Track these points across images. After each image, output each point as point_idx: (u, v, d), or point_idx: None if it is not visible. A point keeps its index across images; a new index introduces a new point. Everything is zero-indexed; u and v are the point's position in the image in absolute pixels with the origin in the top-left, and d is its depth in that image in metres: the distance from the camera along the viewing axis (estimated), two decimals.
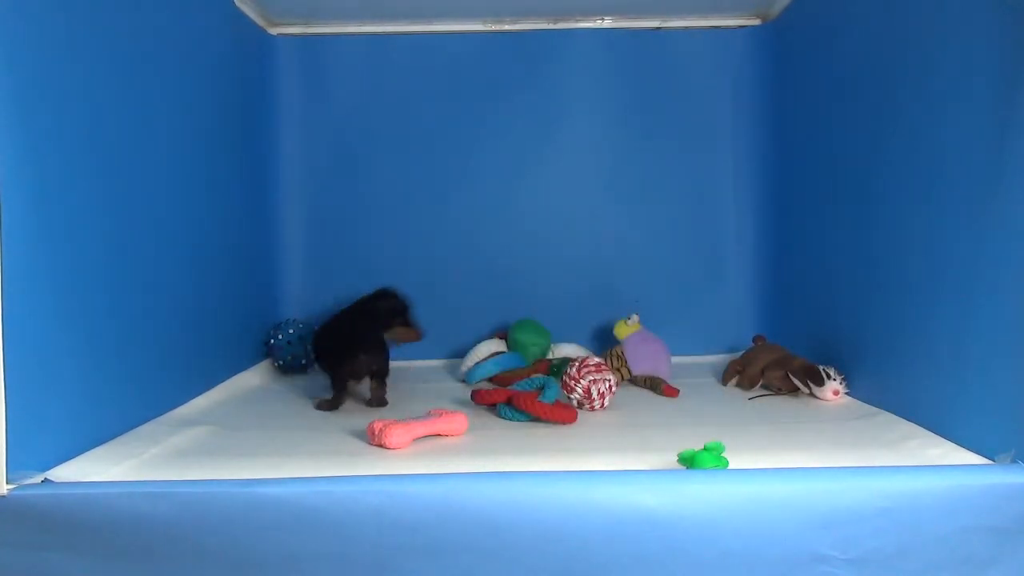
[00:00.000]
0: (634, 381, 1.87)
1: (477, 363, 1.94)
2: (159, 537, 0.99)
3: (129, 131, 1.40)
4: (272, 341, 2.08)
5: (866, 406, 1.53)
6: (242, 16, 2.05)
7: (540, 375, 1.66)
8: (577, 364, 1.62)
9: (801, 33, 2.00)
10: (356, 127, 2.27)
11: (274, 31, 2.24)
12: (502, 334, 2.05)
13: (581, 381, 1.58)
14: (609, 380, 1.60)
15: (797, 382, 1.67)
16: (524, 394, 1.50)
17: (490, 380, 1.89)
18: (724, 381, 1.86)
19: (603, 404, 1.59)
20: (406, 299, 1.82)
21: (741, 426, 1.43)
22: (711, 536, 0.97)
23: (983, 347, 1.18)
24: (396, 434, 1.30)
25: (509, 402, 1.51)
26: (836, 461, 1.17)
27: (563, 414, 1.47)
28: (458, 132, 2.27)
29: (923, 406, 1.35)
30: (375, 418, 1.36)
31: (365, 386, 1.70)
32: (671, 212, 2.28)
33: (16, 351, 1.03)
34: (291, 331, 2.08)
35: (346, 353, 1.66)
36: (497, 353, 1.96)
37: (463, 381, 1.94)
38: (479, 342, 2.04)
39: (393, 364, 2.20)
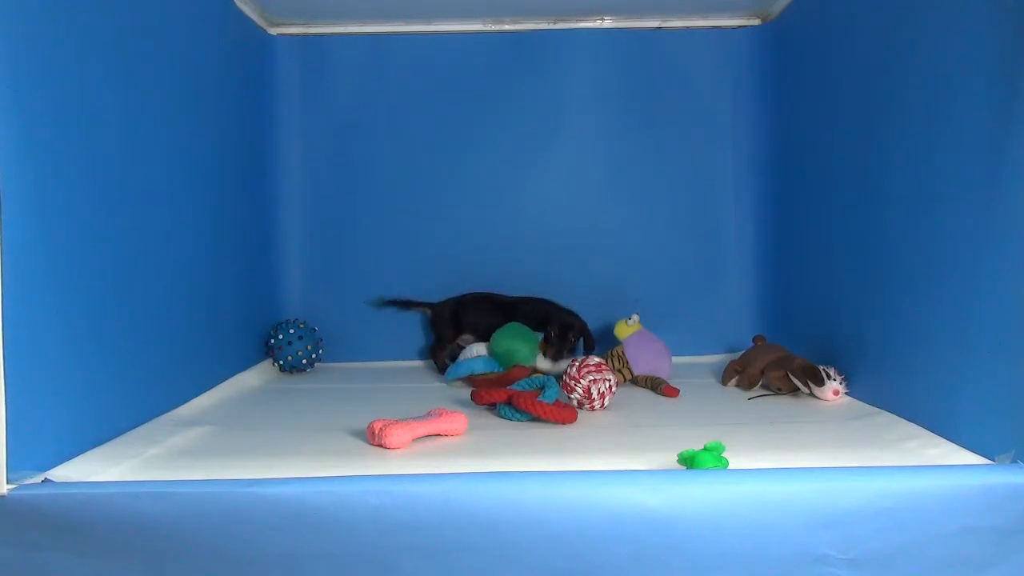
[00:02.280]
0: (635, 381, 1.87)
1: (459, 361, 1.94)
2: (159, 537, 0.99)
3: (129, 131, 1.40)
4: (272, 341, 2.08)
5: (866, 406, 1.53)
6: (242, 16, 2.05)
7: (537, 376, 1.66)
8: (577, 364, 1.62)
9: (801, 33, 2.00)
10: (356, 127, 2.27)
11: (274, 31, 2.24)
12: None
13: (581, 381, 1.58)
14: (609, 380, 1.60)
15: (797, 382, 1.67)
16: (524, 394, 1.50)
17: (466, 380, 1.87)
18: (724, 381, 1.86)
19: (603, 404, 1.59)
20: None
21: (741, 426, 1.43)
22: (711, 536, 0.97)
23: (983, 347, 1.18)
24: (396, 434, 1.30)
25: (509, 402, 1.51)
26: (836, 461, 1.18)
27: (563, 414, 1.47)
28: (458, 132, 2.27)
29: (923, 406, 1.35)
30: (375, 418, 1.36)
31: None
32: (671, 212, 2.28)
33: (16, 351, 1.03)
34: (291, 331, 2.08)
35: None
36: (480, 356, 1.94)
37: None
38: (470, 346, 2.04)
39: (392, 364, 2.23)
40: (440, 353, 2.11)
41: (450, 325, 2.14)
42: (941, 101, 1.32)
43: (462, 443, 1.36)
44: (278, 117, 2.24)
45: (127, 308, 1.38)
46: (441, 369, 2.07)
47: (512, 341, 1.92)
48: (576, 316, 2.06)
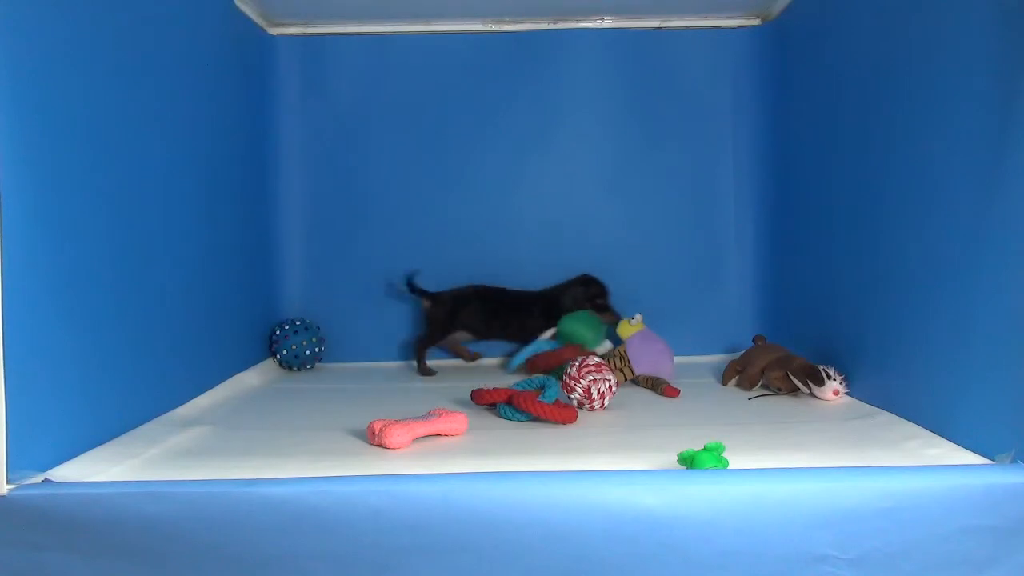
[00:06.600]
0: (636, 381, 1.87)
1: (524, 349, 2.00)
2: (159, 537, 0.99)
3: (128, 131, 1.40)
4: (277, 333, 2.11)
5: (866, 406, 1.53)
6: (242, 16, 2.05)
7: (542, 376, 1.66)
8: (577, 364, 1.62)
9: (801, 33, 2.00)
10: (356, 127, 2.27)
11: (274, 31, 2.24)
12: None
13: (581, 381, 1.58)
14: (609, 380, 1.60)
15: (797, 382, 1.67)
16: (524, 394, 1.50)
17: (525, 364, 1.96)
18: (724, 381, 1.86)
19: (603, 404, 1.59)
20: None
21: (741, 426, 1.43)
22: (711, 536, 0.97)
23: (983, 347, 1.18)
24: (396, 434, 1.30)
25: (509, 402, 1.51)
26: (836, 461, 1.18)
27: (563, 414, 1.47)
28: (458, 132, 2.27)
29: (923, 406, 1.35)
30: (375, 418, 1.36)
31: None
32: (671, 212, 2.28)
33: (16, 351, 1.03)
34: (297, 323, 2.12)
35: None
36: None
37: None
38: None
39: (393, 363, 2.23)
40: (424, 350, 2.10)
41: (447, 321, 2.12)
42: (941, 101, 1.32)
43: (462, 443, 1.36)
44: (278, 117, 2.24)
45: (127, 308, 1.38)
46: (423, 371, 2.07)
47: (575, 324, 2.02)
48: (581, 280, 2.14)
